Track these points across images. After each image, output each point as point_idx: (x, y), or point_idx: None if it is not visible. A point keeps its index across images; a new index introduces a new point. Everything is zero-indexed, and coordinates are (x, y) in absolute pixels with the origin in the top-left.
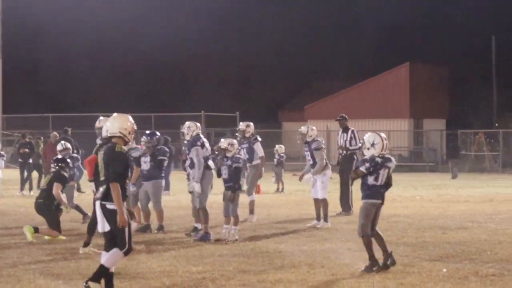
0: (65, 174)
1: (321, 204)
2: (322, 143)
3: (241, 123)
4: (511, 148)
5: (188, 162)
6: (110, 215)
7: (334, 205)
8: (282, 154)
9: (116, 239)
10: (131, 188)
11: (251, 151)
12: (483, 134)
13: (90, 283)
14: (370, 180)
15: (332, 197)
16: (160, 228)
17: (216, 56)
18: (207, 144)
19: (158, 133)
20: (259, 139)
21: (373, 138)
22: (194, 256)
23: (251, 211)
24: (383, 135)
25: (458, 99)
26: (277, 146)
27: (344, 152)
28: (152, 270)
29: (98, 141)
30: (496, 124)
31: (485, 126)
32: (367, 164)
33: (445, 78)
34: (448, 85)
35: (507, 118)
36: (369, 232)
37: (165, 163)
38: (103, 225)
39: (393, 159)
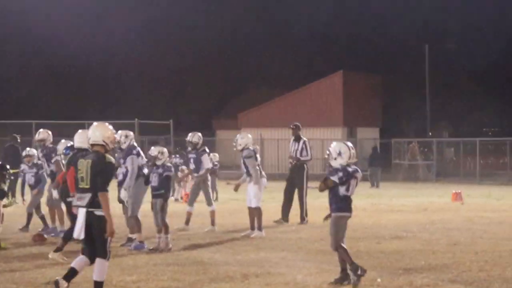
0: (3, 186)
1: (255, 213)
2: (254, 151)
3: (190, 133)
4: (444, 157)
5: (122, 170)
6: (98, 222)
7: (269, 214)
8: (216, 163)
9: (99, 246)
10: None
11: (198, 162)
12: (417, 143)
13: None
14: (342, 190)
15: (266, 206)
16: None
17: (149, 63)
18: (141, 153)
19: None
20: (207, 150)
21: (339, 147)
22: (128, 265)
23: (213, 222)
24: (349, 144)
25: (391, 107)
26: (210, 154)
27: (295, 162)
28: (86, 279)
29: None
30: (430, 133)
31: (418, 134)
32: (340, 174)
33: (379, 87)
34: (381, 94)
35: (440, 127)
36: (343, 244)
37: None
38: (80, 232)
39: (359, 170)
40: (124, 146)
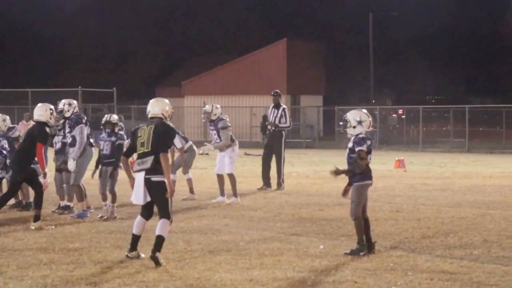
0: None
1: (229, 179)
2: (228, 122)
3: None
4: (387, 124)
5: (59, 138)
6: (156, 187)
7: (212, 181)
8: None
9: (161, 209)
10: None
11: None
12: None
13: (158, 254)
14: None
15: (210, 173)
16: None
17: (93, 31)
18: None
19: None
20: (178, 131)
21: (359, 116)
22: (71, 233)
23: (191, 190)
24: (365, 111)
25: (335, 75)
26: None
27: (273, 128)
28: (29, 246)
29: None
30: (373, 101)
31: (362, 102)
32: (369, 142)
33: (322, 55)
34: (325, 62)
35: (384, 95)
36: (361, 214)
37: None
38: (145, 197)
39: None
40: (67, 115)
